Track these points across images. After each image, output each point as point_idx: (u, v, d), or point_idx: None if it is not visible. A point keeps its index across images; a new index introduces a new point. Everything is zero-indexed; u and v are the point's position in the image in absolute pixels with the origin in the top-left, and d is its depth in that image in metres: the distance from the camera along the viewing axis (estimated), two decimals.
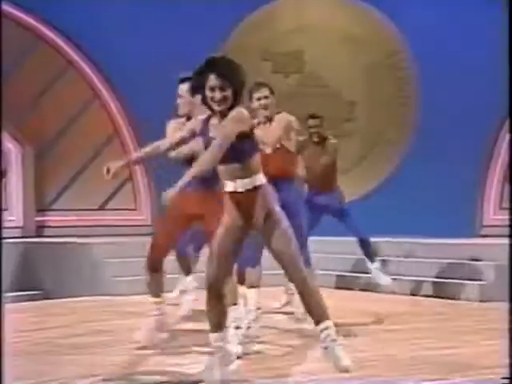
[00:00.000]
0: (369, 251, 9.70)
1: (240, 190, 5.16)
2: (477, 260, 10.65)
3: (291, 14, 14.57)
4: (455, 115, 13.59)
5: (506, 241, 11.03)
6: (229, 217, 5.27)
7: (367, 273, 9.97)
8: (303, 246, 7.23)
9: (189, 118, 6.79)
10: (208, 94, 5.14)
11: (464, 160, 13.52)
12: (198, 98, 5.37)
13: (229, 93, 5.11)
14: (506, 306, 9.48)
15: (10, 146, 13.46)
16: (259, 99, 7.38)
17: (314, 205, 9.28)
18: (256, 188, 5.17)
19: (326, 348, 5.08)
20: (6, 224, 13.10)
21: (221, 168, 5.18)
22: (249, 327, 7.17)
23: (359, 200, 13.29)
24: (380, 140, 14.45)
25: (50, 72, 14.08)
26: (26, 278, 11.93)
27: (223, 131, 5.07)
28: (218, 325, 5.40)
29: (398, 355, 6.59)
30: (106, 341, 7.18)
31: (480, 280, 10.30)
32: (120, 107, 14.34)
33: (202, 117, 5.38)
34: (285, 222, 5.19)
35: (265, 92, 7.42)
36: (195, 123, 5.38)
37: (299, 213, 7.61)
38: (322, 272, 10.55)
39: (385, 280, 9.70)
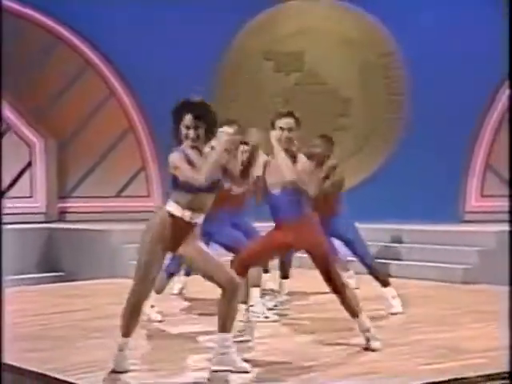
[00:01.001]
0: (378, 276, 8.43)
1: None
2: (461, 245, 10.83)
3: (293, 17, 14.55)
4: (442, 111, 13.56)
5: (488, 227, 11.28)
6: None
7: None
8: None
9: None
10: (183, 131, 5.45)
11: (449, 152, 13.52)
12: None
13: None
14: (489, 288, 9.74)
15: (34, 139, 13.61)
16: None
17: None
18: None
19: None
20: (30, 210, 13.42)
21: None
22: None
23: (353, 189, 13.33)
24: (373, 134, 14.45)
25: (70, 71, 14.14)
26: (50, 260, 12.11)
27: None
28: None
29: (393, 341, 6.57)
30: None
31: (464, 264, 10.45)
32: (134, 104, 14.34)
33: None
34: None
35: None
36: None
37: None
38: None
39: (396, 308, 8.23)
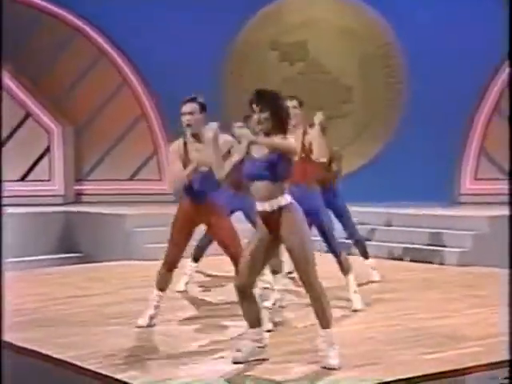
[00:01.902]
0: (364, 251, 9.05)
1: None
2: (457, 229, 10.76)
3: (297, 9, 14.43)
4: (438, 99, 13.51)
5: (482, 212, 11.25)
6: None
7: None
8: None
9: (194, 135, 6.55)
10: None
11: (445, 138, 13.52)
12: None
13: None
14: (483, 270, 9.71)
15: (52, 126, 13.55)
16: None
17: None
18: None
19: None
20: (49, 192, 13.41)
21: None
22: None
23: (353, 173, 13.31)
24: (372, 120, 14.38)
25: (86, 61, 14.10)
26: (68, 242, 12.08)
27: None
28: (256, 321, 5.50)
29: (393, 328, 6.50)
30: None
31: (459, 247, 10.41)
32: (146, 92, 14.27)
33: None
34: None
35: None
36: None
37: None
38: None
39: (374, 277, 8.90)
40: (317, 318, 5.32)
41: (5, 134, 12.92)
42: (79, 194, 13.98)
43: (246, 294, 5.42)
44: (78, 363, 5.49)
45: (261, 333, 5.51)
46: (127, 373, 5.23)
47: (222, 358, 5.62)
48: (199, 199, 6.55)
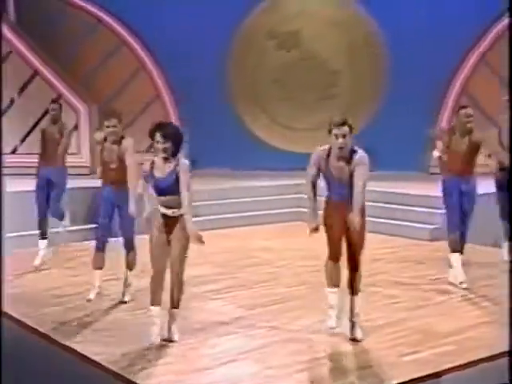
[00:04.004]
0: None
1: None
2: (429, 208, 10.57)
3: (292, 2, 14.27)
4: (414, 83, 13.39)
5: None
6: None
7: None
8: None
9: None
10: None
11: (419, 116, 13.36)
12: None
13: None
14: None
15: (79, 105, 13.39)
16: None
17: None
18: None
19: None
20: (77, 164, 13.26)
21: None
22: None
23: None
24: (358, 101, 14.23)
25: (108, 48, 13.97)
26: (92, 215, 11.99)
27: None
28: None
29: (377, 320, 6.24)
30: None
31: (431, 224, 10.26)
32: (161, 75, 14.15)
33: None
34: None
35: None
36: None
37: None
38: None
39: None
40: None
41: (39, 113, 12.86)
42: None
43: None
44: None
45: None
46: None
47: None
48: None
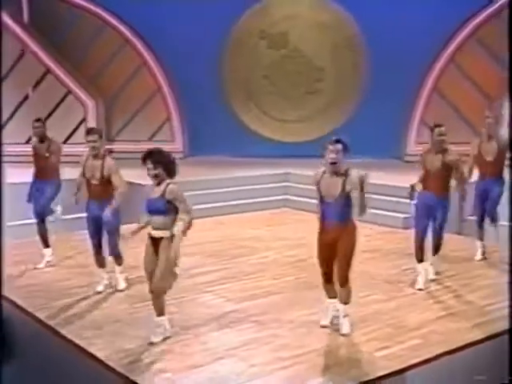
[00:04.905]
0: None
1: None
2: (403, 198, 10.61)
3: (282, 5, 14.33)
4: (392, 79, 13.57)
5: None
6: None
7: None
8: None
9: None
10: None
11: (396, 110, 13.63)
12: None
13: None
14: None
15: (87, 100, 13.54)
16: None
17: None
18: None
19: None
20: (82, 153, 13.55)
21: None
22: None
23: (324, 137, 13.44)
24: (341, 94, 14.39)
25: (113, 47, 14.07)
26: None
27: None
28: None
29: (353, 315, 5.97)
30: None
31: (404, 213, 10.24)
32: (162, 71, 14.23)
33: None
34: None
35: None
36: None
37: None
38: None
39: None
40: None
41: (52, 106, 13.11)
42: (110, 151, 14.01)
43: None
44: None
45: None
46: None
47: None
48: None
